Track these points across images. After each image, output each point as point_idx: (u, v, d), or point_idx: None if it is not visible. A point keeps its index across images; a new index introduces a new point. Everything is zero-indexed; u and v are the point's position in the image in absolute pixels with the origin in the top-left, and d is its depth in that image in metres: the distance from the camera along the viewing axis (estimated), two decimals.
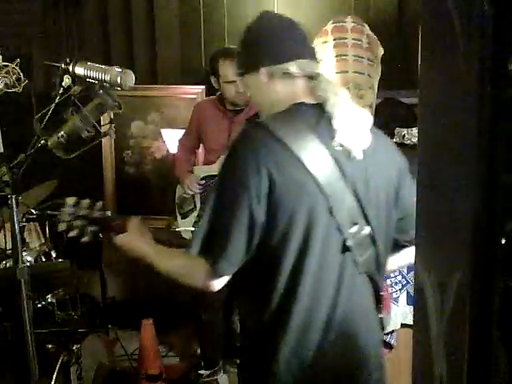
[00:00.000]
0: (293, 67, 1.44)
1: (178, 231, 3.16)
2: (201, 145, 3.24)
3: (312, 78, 1.46)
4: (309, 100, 1.46)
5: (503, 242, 0.65)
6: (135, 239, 1.56)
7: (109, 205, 4.01)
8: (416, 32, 0.76)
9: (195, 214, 3.08)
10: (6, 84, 2.67)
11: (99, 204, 1.62)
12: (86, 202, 1.60)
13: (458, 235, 0.69)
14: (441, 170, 0.74)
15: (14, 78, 2.70)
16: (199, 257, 1.40)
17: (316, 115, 1.42)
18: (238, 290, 1.56)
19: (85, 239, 1.58)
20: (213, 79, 2.98)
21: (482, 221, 0.64)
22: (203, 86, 3.69)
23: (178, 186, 3.18)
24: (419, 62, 0.78)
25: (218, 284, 1.42)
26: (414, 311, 0.84)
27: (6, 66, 2.70)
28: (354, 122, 1.43)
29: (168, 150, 3.77)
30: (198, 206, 3.08)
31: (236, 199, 1.34)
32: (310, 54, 1.51)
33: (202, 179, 3.05)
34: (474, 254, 0.65)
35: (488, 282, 0.65)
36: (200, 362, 3.38)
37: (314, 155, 1.37)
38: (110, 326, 3.32)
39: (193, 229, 3.05)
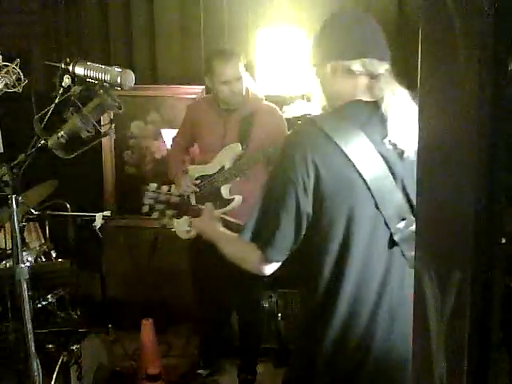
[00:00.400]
0: (356, 65, 1.48)
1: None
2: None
3: (373, 76, 1.49)
4: (367, 98, 1.50)
5: (503, 241, 0.65)
6: (207, 224, 1.70)
7: (109, 205, 4.02)
8: (416, 32, 0.76)
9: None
10: (6, 84, 2.67)
11: (175, 189, 1.73)
12: (165, 187, 1.74)
13: (458, 235, 0.69)
14: (441, 170, 0.75)
15: (14, 77, 2.70)
16: (252, 242, 1.50)
17: (369, 113, 1.48)
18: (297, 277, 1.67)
19: (164, 221, 1.74)
20: (207, 79, 2.96)
21: (482, 221, 0.64)
22: (203, 86, 3.69)
23: (173, 186, 3.16)
24: (419, 62, 0.78)
25: (269, 269, 1.53)
26: (414, 311, 0.84)
27: (6, 65, 2.70)
28: (408, 122, 1.45)
29: (168, 150, 3.77)
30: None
31: (284, 191, 1.44)
32: (378, 54, 1.52)
33: (196, 179, 3.02)
34: (474, 254, 0.65)
35: (488, 282, 0.65)
36: (199, 362, 3.38)
37: (360, 151, 1.43)
38: (110, 325, 3.32)
39: (188, 228, 3.04)
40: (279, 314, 3.40)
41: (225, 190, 2.89)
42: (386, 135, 1.44)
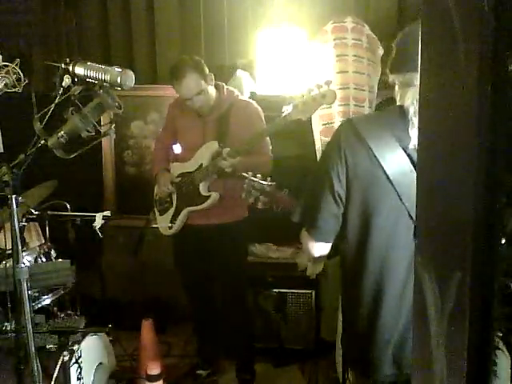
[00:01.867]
0: (395, 79, 1.63)
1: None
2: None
3: (409, 86, 1.58)
4: (400, 104, 1.63)
5: (503, 241, 0.65)
6: None
7: (109, 205, 4.02)
8: None
9: (172, 210, 3.09)
10: (5, 84, 2.67)
11: (268, 179, 1.89)
12: (259, 176, 1.90)
13: (458, 235, 0.69)
14: (441, 169, 0.75)
15: (14, 77, 2.70)
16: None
17: (401, 118, 1.60)
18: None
19: (259, 206, 1.90)
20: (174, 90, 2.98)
21: (482, 221, 0.64)
22: None
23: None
24: (419, 62, 0.78)
25: (317, 250, 1.69)
26: (414, 311, 0.84)
27: (6, 65, 2.70)
28: None
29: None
30: (175, 202, 3.09)
31: (324, 179, 1.63)
32: None
33: (177, 176, 3.05)
34: (474, 254, 0.65)
35: (488, 282, 0.65)
36: (198, 362, 3.38)
37: (385, 149, 1.58)
38: (109, 325, 3.32)
39: (170, 225, 3.07)
40: (279, 314, 3.39)
41: (203, 187, 2.92)
42: (410, 140, 1.55)
